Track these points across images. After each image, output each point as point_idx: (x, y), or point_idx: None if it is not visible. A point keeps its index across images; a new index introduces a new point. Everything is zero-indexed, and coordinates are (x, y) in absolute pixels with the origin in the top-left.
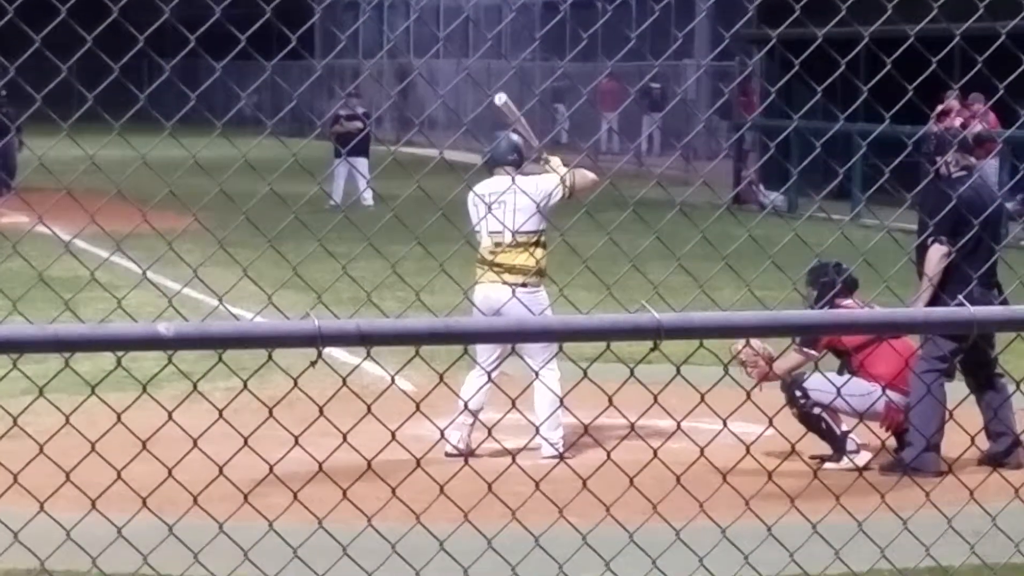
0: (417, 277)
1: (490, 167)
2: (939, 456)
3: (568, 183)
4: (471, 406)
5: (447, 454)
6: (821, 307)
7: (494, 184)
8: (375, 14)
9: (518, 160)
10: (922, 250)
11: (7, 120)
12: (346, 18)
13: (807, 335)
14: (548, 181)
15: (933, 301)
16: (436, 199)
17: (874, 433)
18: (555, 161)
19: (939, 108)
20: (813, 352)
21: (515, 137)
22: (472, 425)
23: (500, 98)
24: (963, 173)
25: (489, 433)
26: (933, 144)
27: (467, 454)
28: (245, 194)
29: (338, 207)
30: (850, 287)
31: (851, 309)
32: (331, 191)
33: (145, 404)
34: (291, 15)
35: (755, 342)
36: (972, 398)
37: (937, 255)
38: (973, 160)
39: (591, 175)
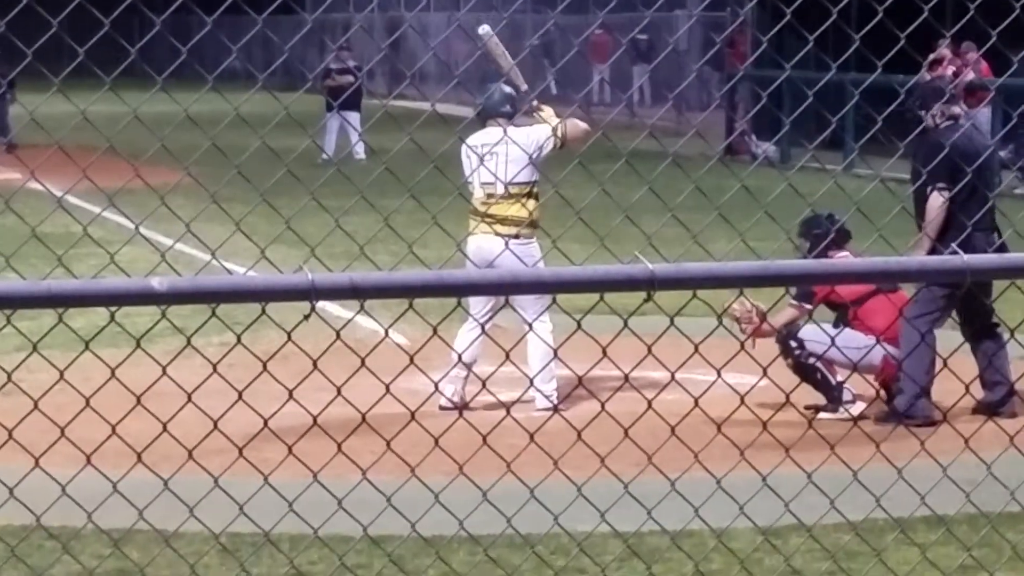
0: (410, 230)
1: (483, 119)
2: (930, 402)
3: (560, 133)
4: (464, 359)
5: (441, 407)
6: (814, 259)
7: (487, 135)
8: None
9: (511, 111)
10: (920, 200)
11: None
12: None
13: (801, 285)
14: (540, 131)
15: (932, 249)
16: (428, 152)
17: (869, 383)
18: (547, 111)
19: (931, 57)
20: (807, 306)
21: (507, 88)
22: (466, 378)
23: (483, 29)
24: (950, 123)
25: (483, 386)
26: (917, 98)
27: (461, 407)
28: (237, 148)
29: (330, 161)
30: (842, 238)
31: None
32: (323, 145)
33: (138, 360)
34: None
35: (745, 299)
36: (967, 347)
37: (937, 202)
38: (958, 109)
39: (583, 124)
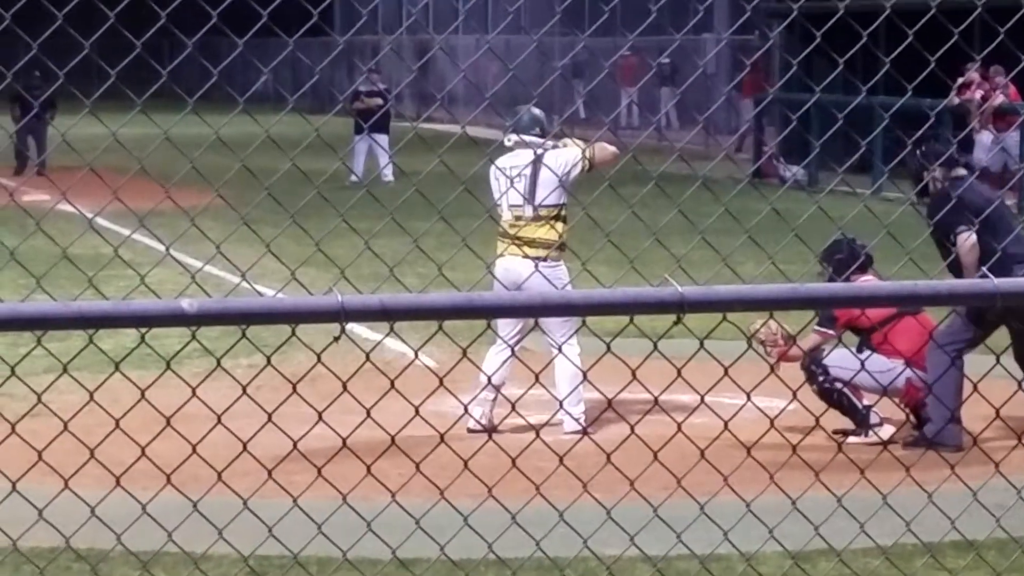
0: (438, 253)
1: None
2: (960, 427)
3: (588, 155)
4: (494, 381)
5: (469, 430)
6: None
7: (515, 157)
8: None
9: (540, 134)
10: (942, 248)
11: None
12: None
13: (831, 308)
14: (568, 153)
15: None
16: (457, 174)
17: (899, 407)
18: (575, 142)
19: (960, 81)
20: (831, 332)
21: (536, 110)
22: (494, 400)
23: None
24: (951, 181)
25: (513, 408)
26: (921, 153)
27: (490, 430)
28: (266, 171)
29: (360, 182)
30: (865, 262)
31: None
32: (352, 167)
33: (167, 382)
34: None
35: (772, 322)
36: (997, 370)
37: (967, 245)
38: (962, 171)
39: (611, 148)
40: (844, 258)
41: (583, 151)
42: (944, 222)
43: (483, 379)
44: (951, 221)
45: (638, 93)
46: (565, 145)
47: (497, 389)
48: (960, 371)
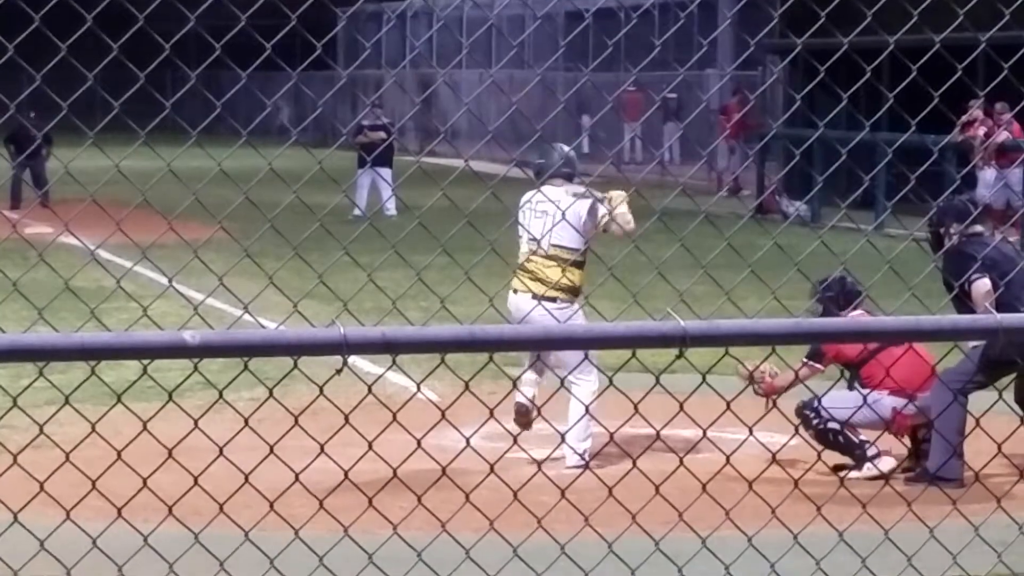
0: (440, 287)
1: (540, 177)
2: (963, 464)
3: (604, 222)
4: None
5: (517, 403)
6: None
7: (541, 194)
8: (398, 23)
9: (570, 172)
10: (958, 304)
11: (34, 138)
12: (368, 28)
13: (834, 342)
14: (585, 206)
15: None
16: (460, 209)
17: (902, 443)
18: (617, 196)
19: (963, 118)
20: (819, 366)
21: (566, 148)
22: (537, 383)
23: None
24: (968, 239)
25: (515, 442)
26: (936, 213)
27: (533, 411)
28: (268, 204)
29: (362, 216)
30: (851, 300)
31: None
32: (355, 201)
33: (168, 415)
34: (313, 27)
35: (766, 364)
36: (1000, 406)
37: (983, 290)
38: (980, 228)
39: (629, 226)
40: (834, 296)
41: (608, 211)
42: (958, 271)
43: (525, 362)
44: (964, 270)
45: (641, 128)
46: (608, 202)
47: (543, 371)
48: (963, 407)
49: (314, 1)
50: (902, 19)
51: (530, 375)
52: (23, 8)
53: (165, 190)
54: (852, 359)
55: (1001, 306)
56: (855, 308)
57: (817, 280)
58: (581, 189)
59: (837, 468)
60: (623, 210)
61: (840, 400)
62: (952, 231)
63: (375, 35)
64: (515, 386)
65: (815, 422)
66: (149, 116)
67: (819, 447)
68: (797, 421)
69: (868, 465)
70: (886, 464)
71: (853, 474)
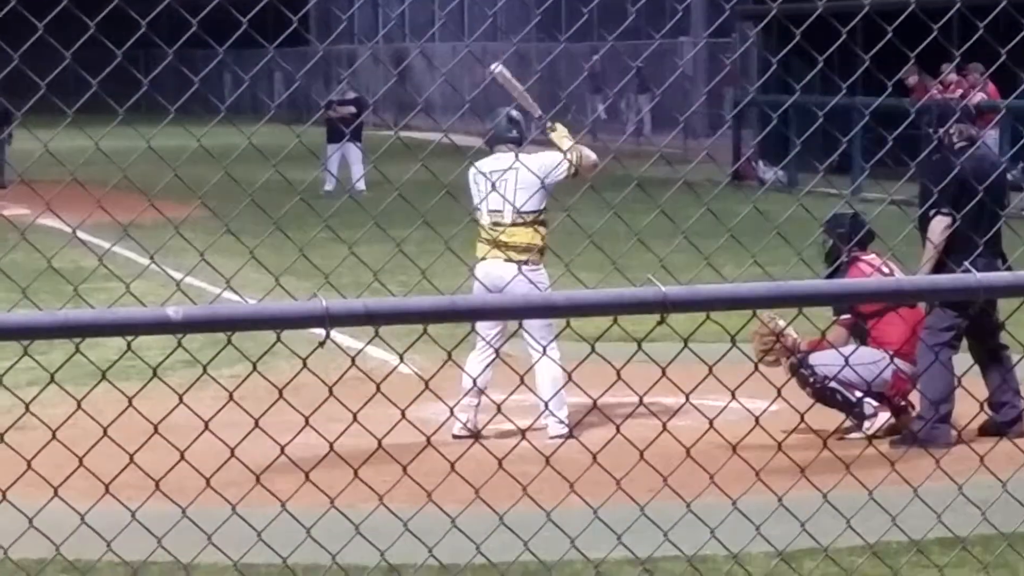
0: (418, 260)
1: (491, 144)
2: (951, 427)
3: (574, 160)
4: (477, 385)
5: (455, 436)
6: (837, 259)
7: (495, 162)
8: None
9: (519, 137)
10: (924, 220)
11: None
12: (341, 3)
13: (814, 305)
14: (551, 158)
15: (938, 270)
16: (436, 181)
17: (893, 403)
18: (560, 129)
19: (938, 79)
20: (851, 318)
21: (514, 113)
22: (478, 406)
23: (496, 67)
24: (965, 143)
25: (499, 410)
26: (935, 115)
27: (475, 434)
28: (244, 181)
29: (333, 193)
30: (865, 239)
31: (869, 264)
32: (326, 177)
33: (151, 393)
34: (286, 2)
35: (781, 320)
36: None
37: (940, 227)
38: (975, 131)
39: (592, 156)
40: (846, 232)
41: (566, 152)
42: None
43: (467, 384)
44: (940, 193)
45: (610, 98)
46: (553, 134)
47: (481, 393)
48: (951, 372)
49: None
50: None
51: (469, 399)
52: None
53: (139, 169)
54: (865, 313)
55: (965, 226)
56: (864, 249)
57: (829, 216)
58: (532, 154)
59: (839, 437)
60: (571, 143)
61: (833, 357)
62: (952, 131)
63: (348, 10)
64: (451, 413)
65: (812, 380)
66: (124, 96)
67: (806, 403)
68: (791, 378)
69: (867, 423)
70: (882, 419)
71: (854, 435)
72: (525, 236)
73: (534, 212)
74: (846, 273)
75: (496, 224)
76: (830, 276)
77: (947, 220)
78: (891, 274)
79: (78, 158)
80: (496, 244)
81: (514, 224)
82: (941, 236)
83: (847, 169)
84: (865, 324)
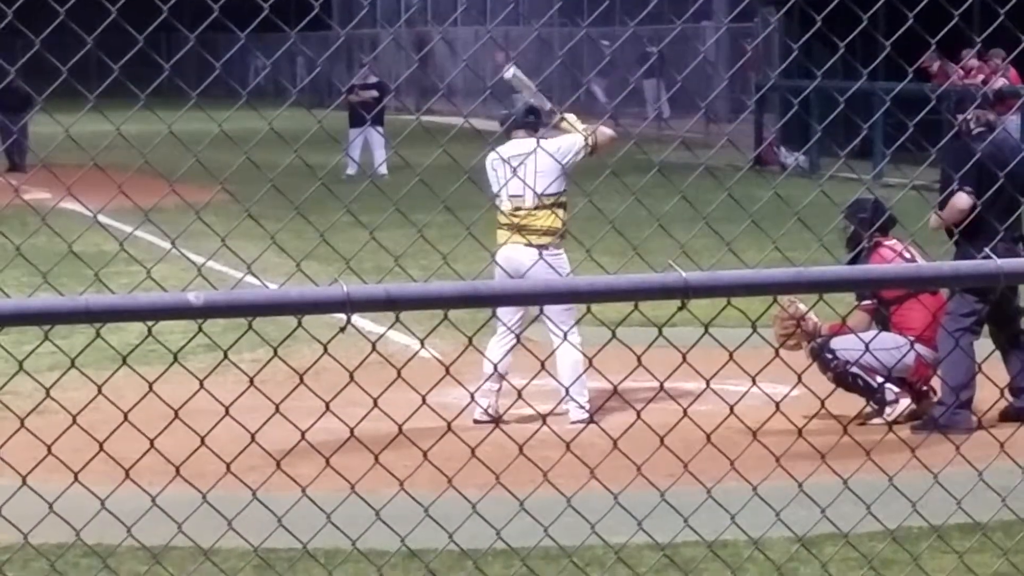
0: (440, 245)
1: (508, 130)
2: (971, 414)
3: (591, 141)
4: (498, 370)
5: (476, 421)
6: (859, 244)
7: (513, 147)
8: None
9: (535, 122)
10: (945, 205)
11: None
12: None
13: (835, 291)
14: (570, 140)
15: (958, 255)
16: (459, 166)
17: (913, 385)
18: (571, 117)
19: (959, 66)
20: (873, 303)
21: (532, 100)
22: (498, 391)
23: (509, 72)
24: (983, 129)
25: (519, 395)
26: (954, 100)
27: (496, 420)
28: (265, 165)
29: (355, 177)
30: (887, 224)
31: (891, 250)
32: (347, 162)
33: (171, 378)
34: None
35: (802, 305)
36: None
37: (961, 203)
38: (993, 116)
39: (610, 132)
40: (868, 217)
41: (585, 137)
42: (956, 174)
43: (487, 370)
44: (962, 177)
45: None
46: (564, 123)
47: (502, 378)
48: (971, 357)
49: None
50: None
51: (490, 384)
52: None
53: (160, 154)
54: (888, 298)
55: (978, 221)
56: (886, 235)
57: (851, 201)
58: (549, 132)
59: (860, 423)
60: (584, 127)
61: (854, 342)
62: (969, 117)
63: None
64: (472, 399)
65: (833, 364)
66: (145, 80)
67: (827, 388)
68: (812, 363)
69: (888, 409)
70: (903, 406)
71: (874, 421)
72: (547, 219)
73: (555, 195)
74: (868, 258)
75: (517, 209)
76: (852, 262)
77: (968, 199)
78: (913, 259)
79: (100, 142)
80: (517, 229)
81: (536, 208)
82: (960, 214)
83: (868, 154)
84: (887, 310)
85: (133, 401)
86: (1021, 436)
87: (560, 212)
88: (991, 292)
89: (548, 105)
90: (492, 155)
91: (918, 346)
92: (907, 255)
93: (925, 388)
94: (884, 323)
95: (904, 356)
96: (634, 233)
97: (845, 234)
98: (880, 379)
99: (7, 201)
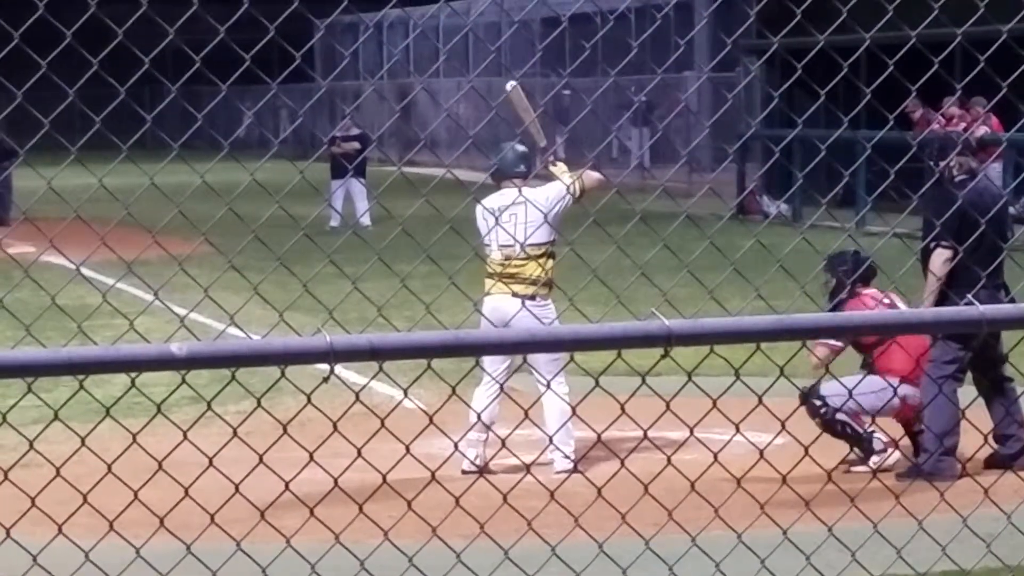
0: (423, 295)
1: (497, 179)
2: (956, 461)
3: (576, 189)
4: (483, 420)
5: (464, 471)
6: (839, 296)
7: (503, 197)
8: (375, 33)
9: (525, 171)
10: (926, 253)
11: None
12: (345, 39)
13: (817, 338)
14: (554, 189)
15: (941, 303)
16: (441, 216)
17: (895, 423)
18: (560, 166)
19: (940, 113)
20: (838, 343)
21: (520, 148)
22: (485, 440)
23: (510, 84)
24: (965, 176)
25: (503, 445)
26: (936, 147)
27: (483, 469)
28: (248, 217)
29: (338, 229)
30: (867, 275)
31: (871, 298)
32: (331, 214)
33: (155, 430)
34: (290, 39)
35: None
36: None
37: (940, 259)
38: (976, 163)
39: (596, 175)
40: (848, 269)
41: (568, 185)
42: (938, 223)
43: (472, 419)
44: (942, 226)
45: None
46: (553, 169)
47: (488, 428)
48: (955, 404)
49: (291, 13)
50: (877, 15)
51: (477, 434)
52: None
53: (143, 206)
54: (868, 342)
55: (967, 259)
56: (867, 285)
57: (830, 253)
58: (537, 188)
59: (846, 469)
60: (571, 178)
61: (843, 388)
62: (952, 164)
63: (352, 46)
64: (456, 448)
65: (823, 411)
66: (127, 133)
67: (811, 435)
68: (800, 408)
69: (875, 458)
70: (893, 459)
71: (858, 468)
72: (536, 269)
73: (544, 244)
74: (847, 308)
75: (507, 258)
76: (832, 311)
77: (948, 252)
78: (892, 307)
79: (82, 195)
80: (504, 278)
81: (527, 258)
82: (942, 268)
83: (851, 202)
84: (870, 357)
85: (117, 453)
86: (1005, 483)
87: (548, 262)
88: (974, 338)
89: (543, 140)
90: (480, 206)
91: (905, 387)
92: (887, 301)
93: (922, 428)
94: (869, 368)
95: (890, 399)
96: (617, 282)
97: (827, 288)
98: (869, 426)
99: None
